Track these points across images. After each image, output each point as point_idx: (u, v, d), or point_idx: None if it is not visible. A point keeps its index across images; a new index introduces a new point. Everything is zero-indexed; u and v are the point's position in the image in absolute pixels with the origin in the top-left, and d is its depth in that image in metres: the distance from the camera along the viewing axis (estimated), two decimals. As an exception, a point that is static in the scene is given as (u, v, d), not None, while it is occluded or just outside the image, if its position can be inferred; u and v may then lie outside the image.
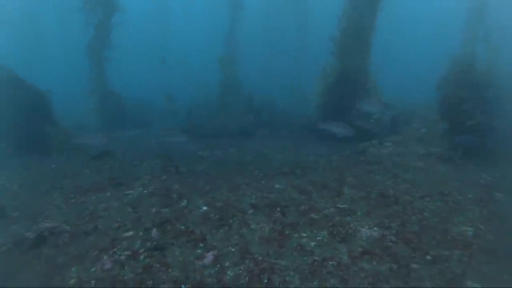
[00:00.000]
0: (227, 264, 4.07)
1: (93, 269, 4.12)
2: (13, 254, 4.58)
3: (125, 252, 4.43)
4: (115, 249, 4.51)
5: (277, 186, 6.71)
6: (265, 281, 3.76)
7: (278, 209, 5.58)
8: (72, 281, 3.90)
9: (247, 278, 3.80)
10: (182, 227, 5.01)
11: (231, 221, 5.16)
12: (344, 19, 11.94)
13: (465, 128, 9.24)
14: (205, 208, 5.68)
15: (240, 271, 3.92)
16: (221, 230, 4.88)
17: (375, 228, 4.99)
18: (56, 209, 6.07)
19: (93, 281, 3.87)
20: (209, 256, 4.20)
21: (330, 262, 4.11)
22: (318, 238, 4.68)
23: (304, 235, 4.76)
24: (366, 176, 7.43)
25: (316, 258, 4.20)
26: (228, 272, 3.92)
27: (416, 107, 12.92)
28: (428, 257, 4.24)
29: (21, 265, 4.33)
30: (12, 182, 7.76)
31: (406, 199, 6.12)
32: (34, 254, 4.56)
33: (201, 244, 4.52)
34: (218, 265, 4.06)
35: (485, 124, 9.24)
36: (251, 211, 5.54)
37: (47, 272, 4.13)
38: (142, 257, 4.32)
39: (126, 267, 4.11)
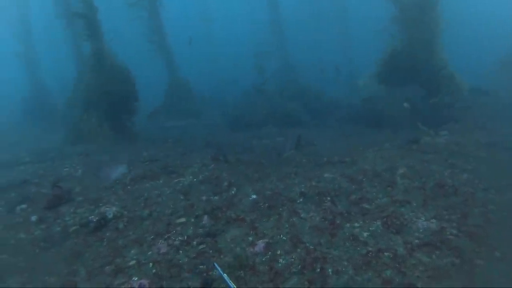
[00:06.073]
0: (278, 252, 4.08)
1: (150, 252, 4.34)
2: (80, 235, 4.97)
3: (179, 238, 4.60)
4: (170, 234, 4.71)
5: (326, 175, 6.57)
6: (318, 270, 3.71)
7: (328, 198, 5.47)
8: (132, 263, 4.14)
9: (299, 266, 3.78)
10: (232, 214, 5.09)
11: (280, 209, 5.15)
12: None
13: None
14: (254, 196, 5.73)
15: (292, 260, 3.91)
16: (271, 218, 4.90)
17: (433, 220, 4.70)
18: (114, 195, 6.47)
19: (150, 264, 4.07)
20: (261, 244, 4.22)
21: (385, 254, 3.95)
22: (371, 229, 4.51)
23: (357, 225, 4.62)
24: (420, 165, 7.00)
25: (370, 248, 4.06)
26: (280, 260, 3.92)
27: (477, 93, 11.96)
28: (497, 254, 3.91)
29: (87, 245, 4.68)
30: (76, 169, 8.40)
31: (467, 191, 5.68)
32: (98, 235, 4.91)
33: (252, 232, 4.57)
34: (270, 253, 4.07)
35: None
36: (301, 200, 5.49)
37: (110, 253, 4.42)
38: (195, 242, 4.46)
39: (180, 252, 4.28)
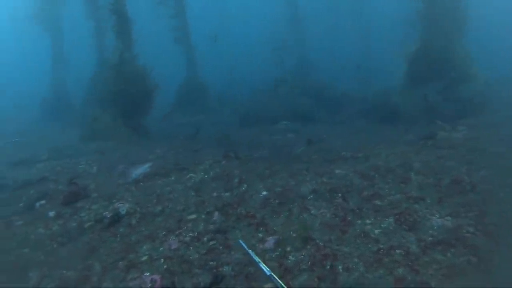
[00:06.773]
0: (288, 249, 4.07)
1: (161, 248, 4.40)
2: (95, 230, 5.08)
3: (190, 234, 4.64)
4: (181, 231, 4.76)
5: (337, 171, 6.50)
6: (328, 267, 3.68)
7: (340, 194, 5.41)
8: (144, 258, 4.20)
9: (309, 263, 3.76)
10: (243, 211, 5.11)
11: (291, 206, 5.13)
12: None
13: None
14: (265, 193, 5.72)
15: (302, 256, 3.89)
16: (281, 215, 4.88)
17: (448, 218, 4.59)
18: (128, 191, 6.57)
19: (162, 259, 4.13)
20: (271, 240, 4.22)
21: (397, 251, 3.88)
22: (383, 226, 4.44)
23: (368, 222, 4.55)
24: (436, 161, 6.84)
25: (382, 246, 3.99)
26: (290, 257, 3.91)
27: (497, 86, 11.61)
28: (515, 252, 3.79)
29: (102, 240, 4.78)
30: (91, 166, 8.59)
31: (485, 188, 5.50)
32: (112, 231, 5.01)
33: (262, 228, 4.57)
34: (280, 250, 4.06)
35: None
36: (312, 196, 5.45)
37: (123, 249, 4.49)
38: (205, 239, 4.50)
39: (191, 248, 4.32)
